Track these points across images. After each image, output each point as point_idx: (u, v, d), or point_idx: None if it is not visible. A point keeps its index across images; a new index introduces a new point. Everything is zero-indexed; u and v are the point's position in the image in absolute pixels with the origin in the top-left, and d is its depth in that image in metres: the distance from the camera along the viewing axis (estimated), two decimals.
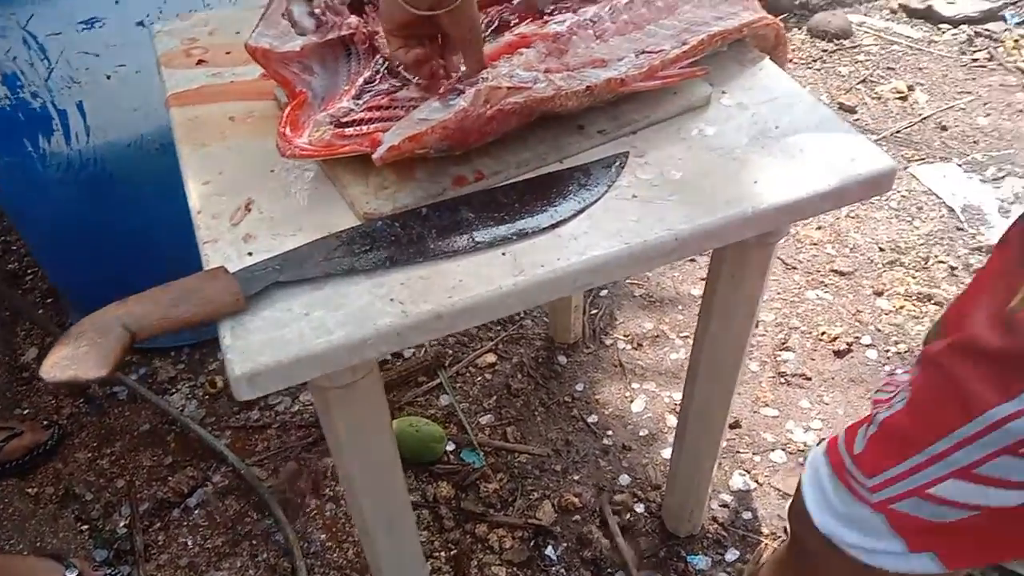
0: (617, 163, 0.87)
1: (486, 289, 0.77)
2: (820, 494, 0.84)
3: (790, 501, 0.93)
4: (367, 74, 0.95)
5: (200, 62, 1.08)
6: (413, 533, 1.11)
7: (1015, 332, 0.65)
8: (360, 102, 0.93)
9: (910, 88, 2.48)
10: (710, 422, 1.21)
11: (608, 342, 1.78)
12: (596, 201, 0.84)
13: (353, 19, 0.94)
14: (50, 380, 0.68)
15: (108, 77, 1.42)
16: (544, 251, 0.79)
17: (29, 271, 2.12)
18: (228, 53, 1.09)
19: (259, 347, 0.72)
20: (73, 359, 0.68)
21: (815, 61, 2.62)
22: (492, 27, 1.02)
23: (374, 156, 0.82)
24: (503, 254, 0.80)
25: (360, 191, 0.86)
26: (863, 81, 2.53)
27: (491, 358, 1.77)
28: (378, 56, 0.96)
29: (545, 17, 1.04)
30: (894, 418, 0.76)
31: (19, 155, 1.51)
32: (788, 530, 0.97)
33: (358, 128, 0.90)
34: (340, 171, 0.88)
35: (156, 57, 1.11)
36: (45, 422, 1.69)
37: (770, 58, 1.02)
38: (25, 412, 1.77)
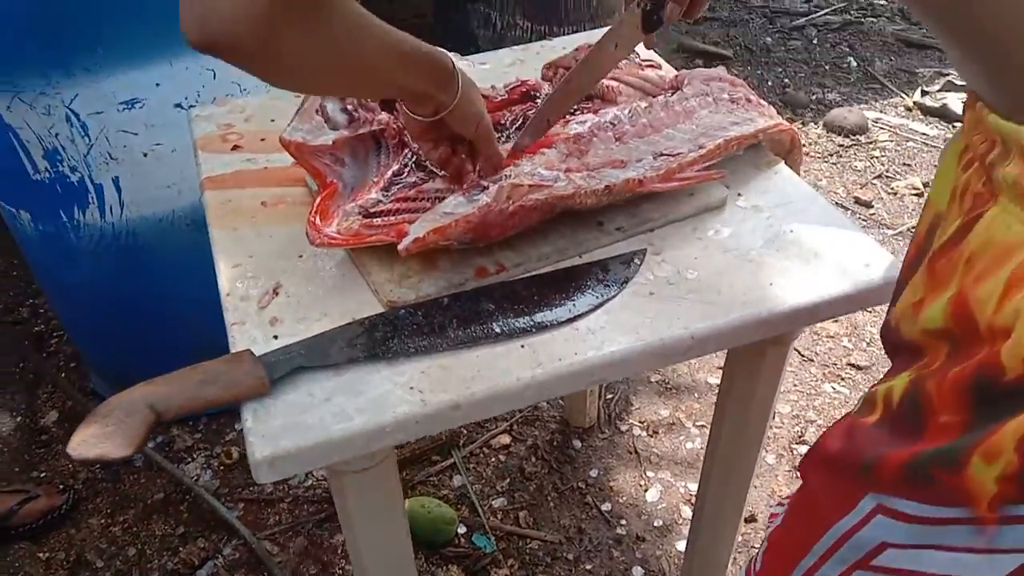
0: (635, 260, 0.90)
1: (504, 381, 0.78)
2: None
3: None
4: (396, 167, 0.99)
5: (235, 147, 1.13)
6: None
7: (853, 436, 0.62)
8: (388, 194, 0.96)
9: (926, 185, 2.52)
10: (725, 516, 1.21)
11: (624, 428, 1.78)
12: (614, 296, 0.86)
13: (384, 116, 0.98)
14: (77, 457, 0.69)
15: (145, 155, 1.48)
16: (562, 344, 0.81)
17: (55, 334, 2.16)
18: (262, 140, 1.14)
19: (280, 431, 0.74)
20: (100, 437, 0.70)
21: (831, 155, 2.66)
22: (516, 124, 1.07)
23: (400, 247, 0.85)
24: (522, 346, 0.82)
25: (385, 279, 0.89)
26: (879, 176, 2.57)
27: (506, 439, 1.77)
28: (406, 150, 1.00)
29: (567, 117, 1.09)
30: (775, 533, 0.74)
31: (54, 225, 1.57)
32: None
33: (385, 219, 0.93)
34: (366, 259, 0.91)
35: (193, 140, 1.16)
36: (61, 486, 1.70)
37: (785, 162, 1.06)
38: (42, 475, 1.78)
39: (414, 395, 0.77)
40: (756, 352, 0.98)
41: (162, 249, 1.59)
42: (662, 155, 0.96)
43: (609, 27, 0.97)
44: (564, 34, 1.63)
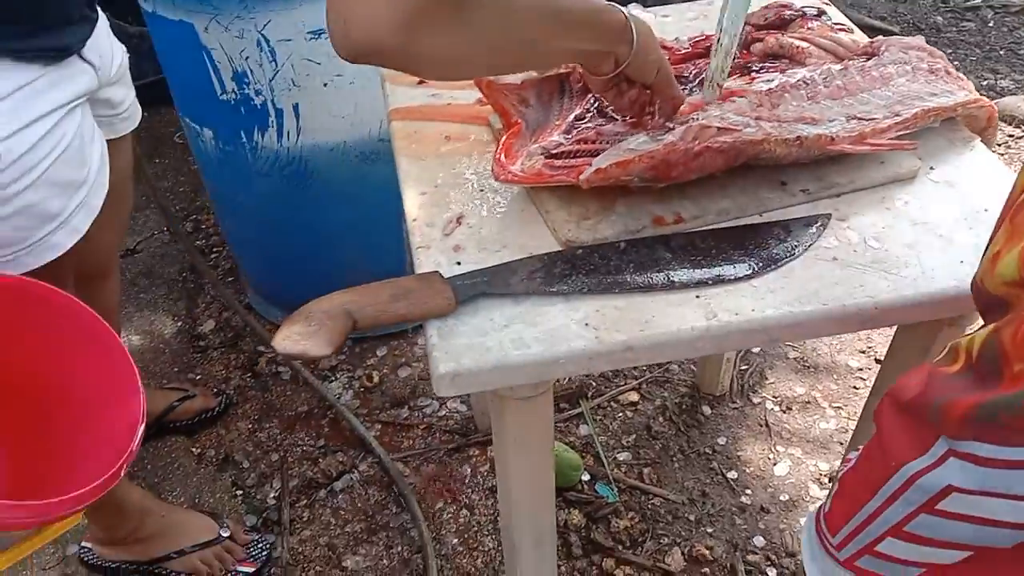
0: (819, 223, 0.89)
1: (678, 328, 0.79)
2: (809, 550, 0.82)
3: None
4: (578, 111, 1.01)
5: (421, 82, 1.17)
6: (554, 549, 1.14)
7: (931, 383, 0.61)
8: (569, 136, 0.98)
9: None
10: None
11: (756, 400, 1.76)
12: (795, 258, 0.85)
13: None
14: (281, 351, 0.75)
15: (325, 84, 1.54)
16: (739, 299, 0.81)
17: (215, 250, 2.31)
18: None
19: (462, 350, 0.78)
20: (304, 335, 0.75)
21: (1000, 145, 2.51)
22: (700, 78, 1.06)
23: (581, 178, 0.87)
24: (697, 296, 0.82)
25: (563, 218, 0.91)
26: None
27: (634, 396, 1.79)
28: (590, 96, 1.01)
29: (753, 75, 1.07)
30: (846, 475, 0.74)
31: (234, 145, 1.66)
32: None
33: (566, 160, 0.95)
34: (545, 197, 0.94)
35: (381, 73, 1.20)
36: (215, 390, 1.83)
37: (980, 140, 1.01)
38: (197, 377, 1.92)
39: (588, 331, 0.79)
40: (930, 331, 0.95)
41: (330, 177, 1.66)
42: (856, 118, 0.94)
43: None
44: None
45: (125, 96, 1.26)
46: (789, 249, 0.86)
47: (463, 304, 0.81)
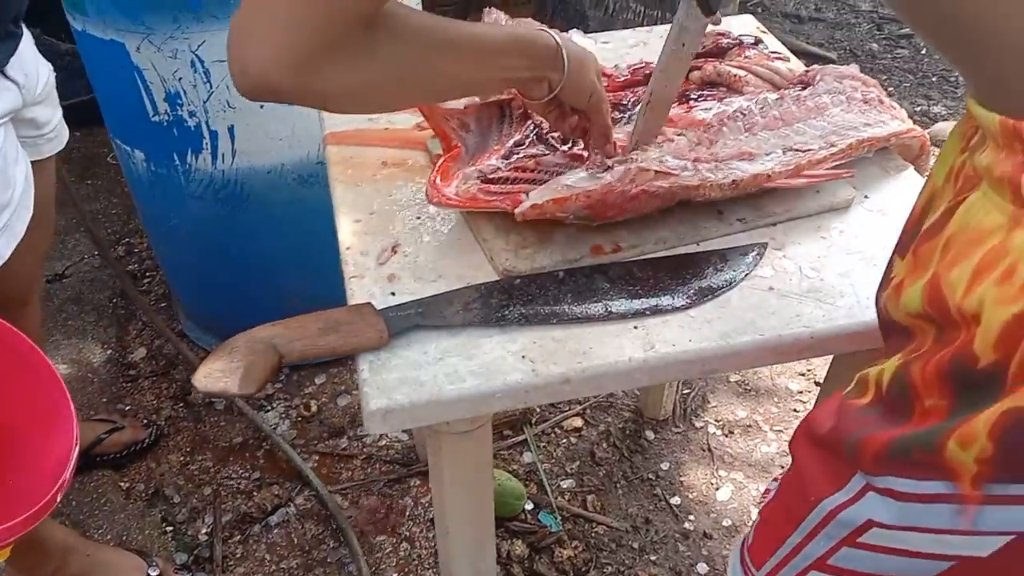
0: (755, 252, 0.88)
1: (616, 359, 0.78)
2: None
3: None
4: (517, 137, 0.99)
5: None
6: None
7: (842, 416, 0.62)
8: (508, 162, 0.97)
9: None
10: None
11: (698, 424, 1.77)
12: (732, 287, 0.85)
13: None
14: (202, 390, 0.71)
15: (261, 106, 1.51)
16: (676, 330, 0.81)
17: (147, 274, 2.24)
18: None
19: (395, 385, 0.75)
20: (226, 372, 0.72)
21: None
22: (638, 106, 1.05)
23: (516, 211, 0.85)
24: (635, 327, 0.81)
25: (500, 246, 0.89)
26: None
27: (578, 422, 1.77)
28: (529, 122, 1.00)
29: (690, 103, 1.07)
30: (768, 507, 0.74)
31: (167, 167, 1.61)
32: None
33: (502, 186, 0.94)
34: (482, 225, 0.92)
35: None
36: (145, 421, 1.77)
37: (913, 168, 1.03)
38: (127, 408, 1.85)
39: (525, 364, 0.78)
40: (866, 357, 0.95)
41: (267, 201, 1.62)
42: (792, 149, 0.94)
43: (670, 27, 0.93)
44: None
45: (51, 116, 1.21)
46: (726, 279, 0.85)
47: (396, 336, 0.79)
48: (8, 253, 1.02)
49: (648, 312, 0.82)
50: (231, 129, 1.53)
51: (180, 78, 1.47)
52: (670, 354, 0.79)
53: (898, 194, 0.98)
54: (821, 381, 1.85)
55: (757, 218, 0.92)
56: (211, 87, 1.48)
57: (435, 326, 0.80)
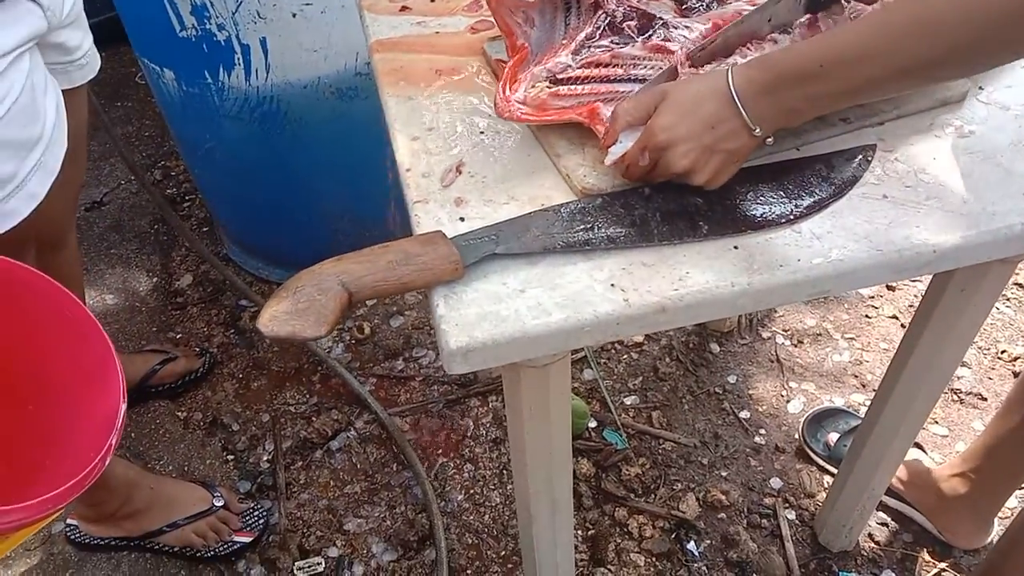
0: (863, 156, 0.79)
1: (716, 285, 0.70)
2: None
3: None
4: (588, 30, 0.90)
5: (404, 8, 1.05)
6: (571, 513, 1.07)
7: None
8: (578, 58, 0.87)
9: None
10: (895, 443, 1.12)
11: (766, 335, 1.69)
12: (840, 197, 0.76)
13: None
14: (268, 335, 0.66)
15: (294, 15, 1.41)
16: (782, 248, 0.72)
17: (187, 198, 2.18)
18: (432, 1, 1.05)
19: (474, 321, 0.68)
20: (293, 315, 0.66)
21: None
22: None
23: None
24: (735, 247, 0.73)
25: (576, 163, 0.81)
26: None
27: (639, 337, 1.71)
28: (600, 12, 0.90)
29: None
30: None
31: (199, 86, 1.53)
32: None
33: (573, 88, 0.85)
34: (553, 138, 0.83)
35: (357, 1, 1.08)
36: (197, 349, 1.74)
37: None
38: (178, 336, 1.82)
39: (616, 293, 0.70)
40: (979, 268, 0.87)
41: (306, 118, 1.54)
42: None
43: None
44: None
45: (81, 40, 1.12)
46: (834, 188, 0.76)
47: (471, 267, 0.72)
48: (44, 192, 0.95)
49: (748, 229, 0.74)
50: (263, 42, 1.43)
51: None
52: (776, 276, 0.71)
53: (1016, 83, 0.87)
54: (894, 284, 1.76)
55: (862, 117, 0.82)
56: None
57: (513, 254, 0.73)
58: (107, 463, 0.80)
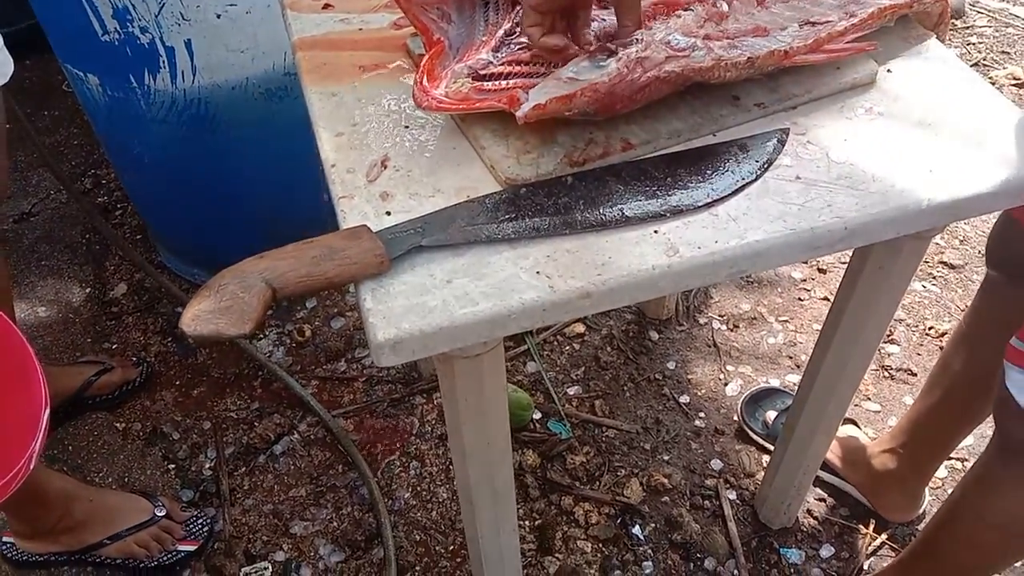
0: (777, 139, 0.81)
1: (638, 268, 0.72)
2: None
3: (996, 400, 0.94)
4: (507, 26, 0.91)
5: (327, 6, 1.05)
6: (513, 500, 1.08)
7: None
8: (499, 55, 0.88)
9: None
10: (828, 414, 1.16)
11: (703, 321, 1.73)
12: (755, 180, 0.78)
13: None
14: (191, 334, 0.65)
15: (218, 16, 1.39)
16: (700, 231, 0.74)
17: (118, 206, 2.14)
18: None
19: (402, 313, 0.69)
20: (216, 313, 0.65)
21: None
22: None
23: (518, 114, 0.78)
24: (655, 232, 0.75)
25: (501, 154, 0.82)
26: (975, 64, 2.39)
27: (580, 328, 1.73)
28: (518, 7, 0.91)
29: None
30: None
31: (123, 90, 1.50)
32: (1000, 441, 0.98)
33: (496, 83, 0.86)
34: (478, 131, 0.84)
35: (280, 0, 1.07)
36: (134, 359, 1.71)
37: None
38: (113, 346, 1.79)
39: (541, 280, 0.71)
40: (894, 245, 0.90)
41: (235, 119, 1.52)
42: (809, 23, 0.86)
43: None
44: None
45: None
46: (749, 171, 0.78)
47: (397, 260, 0.72)
48: None
49: (668, 214, 0.76)
50: (188, 44, 1.41)
51: None
52: (696, 258, 0.72)
53: (923, 65, 0.90)
54: (824, 268, 1.81)
55: (776, 102, 0.85)
56: None
57: (438, 246, 0.74)
58: (31, 467, 0.79)
